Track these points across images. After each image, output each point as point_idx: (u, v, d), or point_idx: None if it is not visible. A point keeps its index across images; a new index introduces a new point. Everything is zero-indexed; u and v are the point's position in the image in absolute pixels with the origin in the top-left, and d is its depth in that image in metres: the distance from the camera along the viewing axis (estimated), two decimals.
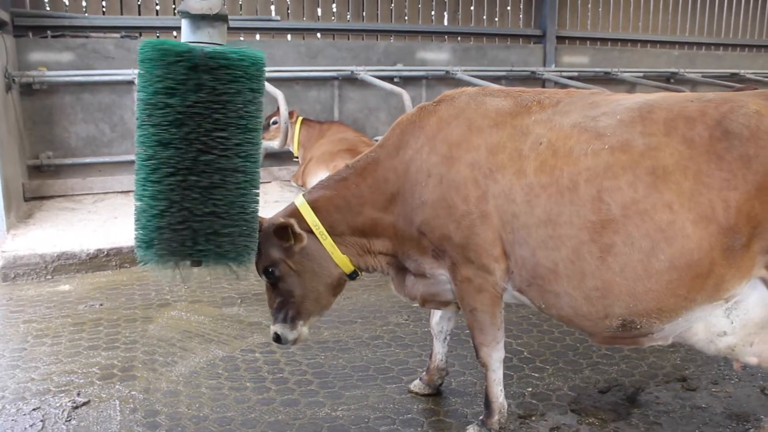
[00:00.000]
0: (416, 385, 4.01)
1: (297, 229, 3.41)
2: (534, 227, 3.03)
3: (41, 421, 3.73)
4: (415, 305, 3.76)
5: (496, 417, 3.47)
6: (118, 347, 4.68)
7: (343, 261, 3.56)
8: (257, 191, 3.29)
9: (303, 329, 3.63)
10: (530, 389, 4.05)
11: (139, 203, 3.14)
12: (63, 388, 4.09)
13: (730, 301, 2.93)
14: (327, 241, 3.52)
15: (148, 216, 3.09)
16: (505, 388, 3.55)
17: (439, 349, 3.96)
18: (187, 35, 3.22)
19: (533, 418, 3.72)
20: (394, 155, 3.47)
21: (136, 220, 3.18)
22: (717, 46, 15.10)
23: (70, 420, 3.74)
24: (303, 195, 3.66)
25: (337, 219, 3.53)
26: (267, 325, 5.00)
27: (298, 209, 3.56)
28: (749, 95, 2.98)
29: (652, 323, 2.99)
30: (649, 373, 4.24)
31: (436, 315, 3.93)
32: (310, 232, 3.50)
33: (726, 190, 2.76)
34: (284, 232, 3.40)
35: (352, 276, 3.66)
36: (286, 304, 3.59)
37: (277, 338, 3.63)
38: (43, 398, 3.97)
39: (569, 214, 2.95)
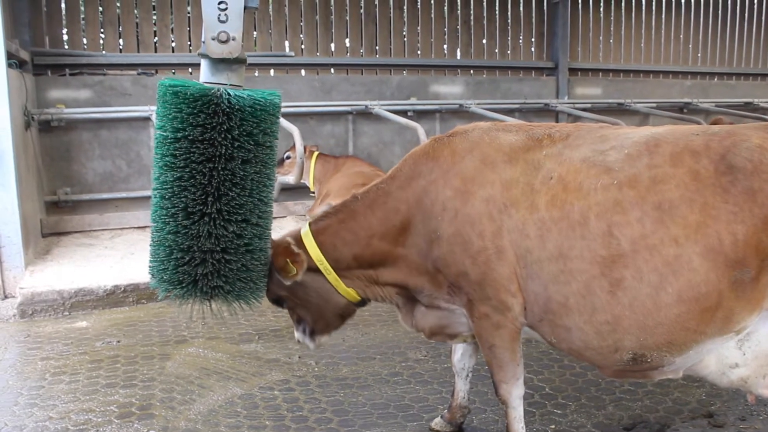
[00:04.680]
0: (438, 423, 3.96)
1: (295, 249, 3.39)
2: (546, 261, 3.02)
3: None
4: (421, 336, 3.73)
5: None
6: (135, 385, 4.66)
7: (348, 293, 3.58)
8: (270, 229, 3.41)
9: (322, 339, 3.79)
10: (553, 426, 3.99)
11: (158, 238, 3.21)
12: (81, 427, 4.06)
13: (742, 333, 2.91)
14: (331, 276, 3.52)
15: (166, 251, 3.17)
16: (527, 426, 3.50)
17: (461, 387, 3.91)
18: (206, 76, 3.27)
19: None
20: (405, 186, 3.44)
21: (153, 254, 3.25)
22: (729, 75, 15.10)
23: None
24: (309, 225, 3.62)
25: (343, 253, 3.51)
26: (285, 362, 5.00)
27: (302, 241, 3.53)
28: (753, 128, 2.98)
29: (663, 356, 2.97)
30: (674, 408, 4.17)
31: (458, 351, 3.89)
32: (314, 268, 3.49)
33: (733, 224, 2.76)
34: (282, 258, 3.38)
35: (360, 304, 3.69)
36: (302, 321, 3.75)
37: (299, 341, 3.84)
38: None
39: (580, 249, 2.95)
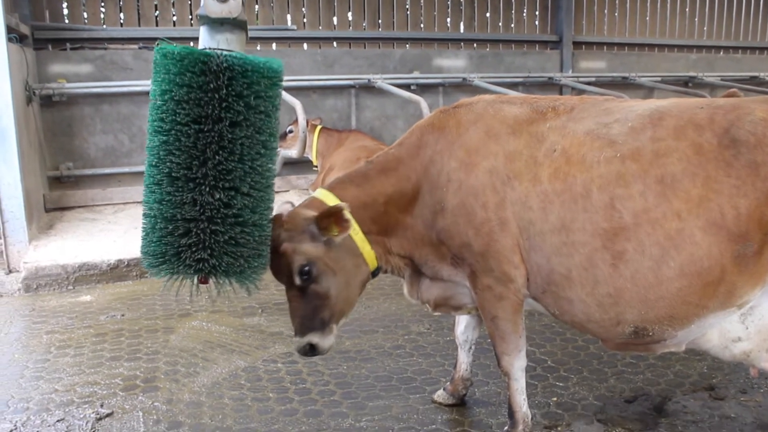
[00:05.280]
0: (440, 395, 3.98)
1: (348, 215, 3.16)
2: (549, 234, 3.03)
3: None
4: (426, 309, 3.70)
5: (521, 427, 3.42)
6: (140, 358, 4.69)
7: (371, 257, 3.42)
8: (268, 203, 3.16)
9: (335, 330, 3.36)
10: (555, 399, 4.01)
11: (146, 209, 3.04)
12: (86, 399, 4.09)
13: (744, 307, 2.91)
14: (359, 236, 3.36)
15: (151, 222, 3.00)
16: (529, 398, 3.52)
17: (464, 359, 3.93)
18: (205, 41, 3.17)
19: (559, 429, 3.68)
20: (414, 154, 3.43)
21: (142, 228, 3.08)
22: (735, 49, 14.98)
23: (94, 431, 3.75)
24: (323, 189, 3.48)
25: (363, 216, 3.39)
26: (288, 335, 5.00)
27: (324, 204, 3.35)
28: (758, 101, 2.96)
29: (665, 330, 2.98)
30: (676, 381, 4.19)
31: (461, 324, 3.90)
32: None
33: (736, 197, 2.76)
34: (329, 220, 3.19)
35: (375, 273, 3.52)
36: (319, 308, 3.29)
37: (312, 348, 3.28)
38: (66, 409, 3.97)
39: (582, 221, 2.95)
